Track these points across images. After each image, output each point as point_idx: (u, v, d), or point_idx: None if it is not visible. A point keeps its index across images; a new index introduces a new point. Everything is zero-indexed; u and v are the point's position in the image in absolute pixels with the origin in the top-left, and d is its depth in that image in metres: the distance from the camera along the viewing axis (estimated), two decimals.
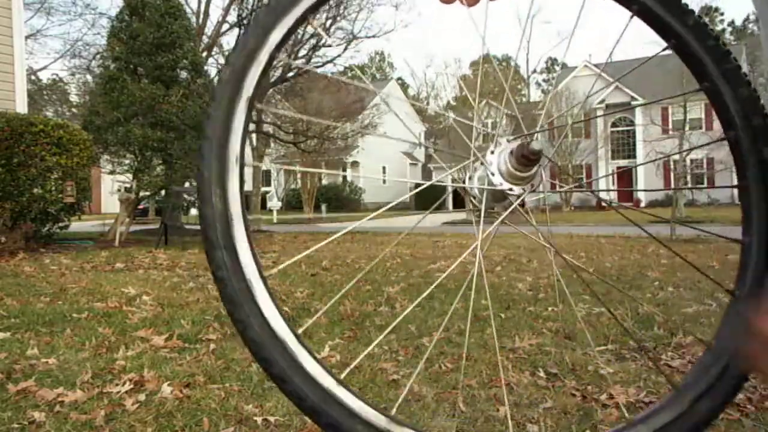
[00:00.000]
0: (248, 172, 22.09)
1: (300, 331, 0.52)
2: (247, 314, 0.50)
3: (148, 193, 11.95)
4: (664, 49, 0.68)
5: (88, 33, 46.89)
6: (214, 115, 0.55)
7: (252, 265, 0.50)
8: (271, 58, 0.59)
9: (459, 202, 30.13)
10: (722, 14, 51.37)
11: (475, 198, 0.59)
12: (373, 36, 17.77)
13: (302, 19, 0.60)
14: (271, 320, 0.50)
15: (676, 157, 26.73)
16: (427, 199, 32.37)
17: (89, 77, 20.69)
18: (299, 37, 16.31)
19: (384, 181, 35.58)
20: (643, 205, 27.13)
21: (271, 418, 2.03)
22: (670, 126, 27.77)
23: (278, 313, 0.51)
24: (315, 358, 0.50)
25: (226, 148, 0.55)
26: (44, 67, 49.37)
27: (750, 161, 0.58)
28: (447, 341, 3.07)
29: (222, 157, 0.54)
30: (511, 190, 0.56)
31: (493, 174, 0.55)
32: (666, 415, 0.54)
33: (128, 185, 10.45)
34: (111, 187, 12.26)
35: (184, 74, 11.77)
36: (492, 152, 0.57)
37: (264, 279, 0.51)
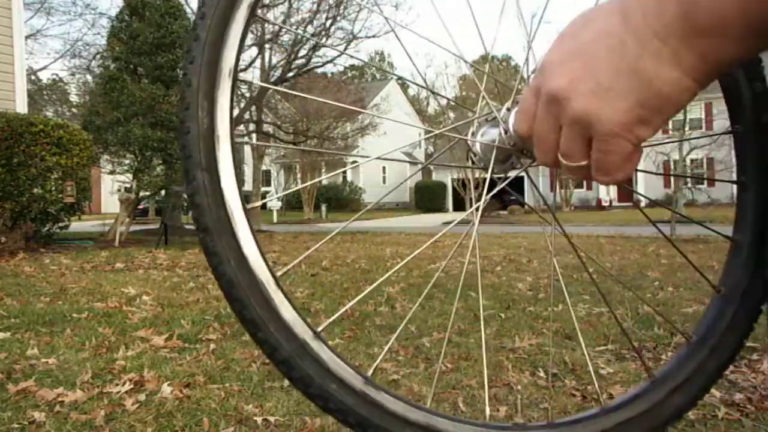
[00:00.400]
0: (248, 172, 22.10)
1: (279, 274, 0.47)
2: (223, 247, 0.44)
3: (148, 193, 11.95)
4: None
5: (88, 33, 46.94)
6: (210, 14, 0.47)
7: (235, 193, 0.45)
8: None
9: (458, 204, 30.13)
10: None
11: (476, 156, 0.54)
12: (373, 36, 17.77)
13: None
14: (250, 258, 0.45)
15: (676, 157, 26.72)
16: (426, 197, 32.40)
17: (89, 77, 20.70)
18: (299, 37, 16.30)
19: (384, 181, 35.57)
20: (643, 205, 27.14)
21: (271, 418, 2.03)
22: (670, 126, 27.79)
23: (258, 252, 0.45)
24: (293, 305, 0.45)
25: (219, 56, 0.47)
26: (44, 67, 49.26)
27: (753, 158, 0.58)
28: (447, 341, 3.07)
29: (213, 65, 0.46)
30: (524, 153, 0.50)
31: (506, 132, 0.50)
32: (641, 405, 0.52)
33: (128, 185, 10.46)
34: (111, 187, 12.27)
35: None
36: (508, 109, 0.51)
37: (246, 212, 0.46)
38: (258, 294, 0.45)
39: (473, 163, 0.54)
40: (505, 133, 0.50)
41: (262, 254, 0.46)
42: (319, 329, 0.47)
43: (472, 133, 0.54)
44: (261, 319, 0.44)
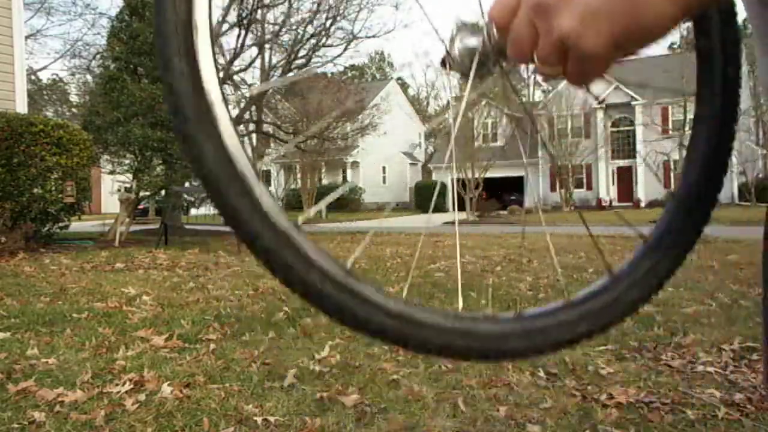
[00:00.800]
0: None
1: (260, 167, 0.47)
2: (203, 137, 0.43)
3: (148, 193, 11.95)
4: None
5: (88, 33, 47.05)
6: None
7: (215, 84, 0.44)
8: None
9: (459, 204, 30.11)
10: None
11: (454, 61, 0.54)
12: (374, 36, 17.78)
13: None
14: (231, 150, 0.44)
15: (676, 157, 26.71)
16: (426, 197, 32.38)
17: (89, 77, 20.71)
18: (299, 36, 16.33)
19: (384, 181, 35.55)
20: (643, 205, 27.15)
21: (271, 418, 2.03)
22: (670, 126, 27.78)
23: (240, 146, 0.44)
24: (273, 197, 0.46)
25: None
26: (44, 67, 49.30)
27: (714, 77, 0.59)
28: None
29: None
30: (502, 55, 0.48)
31: (489, 37, 0.48)
32: (601, 300, 0.55)
33: (128, 185, 10.46)
34: (111, 187, 12.27)
35: None
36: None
37: (227, 105, 0.45)
38: (239, 185, 0.44)
39: (451, 68, 0.54)
40: (488, 37, 0.49)
41: (243, 147, 0.45)
42: (300, 222, 0.46)
43: (451, 40, 0.53)
44: (242, 208, 0.44)
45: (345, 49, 16.79)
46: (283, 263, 0.45)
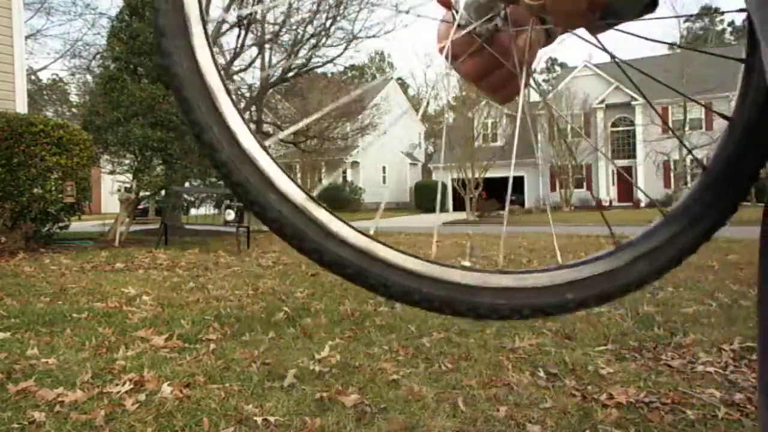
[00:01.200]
0: None
1: (232, 87, 0.47)
2: (177, 50, 0.44)
3: (148, 193, 11.95)
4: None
5: (88, 33, 47.00)
6: None
7: (194, 5, 0.45)
8: None
9: (459, 204, 30.12)
10: (722, 14, 51.26)
11: (457, 12, 0.54)
12: (373, 36, 17.75)
13: None
14: (203, 64, 0.45)
15: (676, 157, 26.72)
16: (426, 197, 32.39)
17: (89, 77, 20.67)
18: (300, 36, 16.30)
19: (384, 181, 35.54)
20: (643, 205, 27.13)
21: (271, 418, 2.03)
22: (670, 126, 27.78)
23: (212, 61, 0.45)
24: (242, 117, 0.45)
25: None
26: (44, 67, 49.27)
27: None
28: (447, 341, 3.08)
29: None
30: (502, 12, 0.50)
31: None
32: (601, 266, 0.51)
33: (128, 185, 10.45)
34: (111, 187, 12.26)
35: None
36: None
37: (205, 26, 0.45)
38: (207, 98, 0.44)
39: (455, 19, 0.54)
40: None
41: (216, 64, 0.45)
42: (267, 143, 0.46)
43: None
44: (207, 122, 0.44)
45: (345, 48, 16.77)
46: (241, 179, 0.44)
